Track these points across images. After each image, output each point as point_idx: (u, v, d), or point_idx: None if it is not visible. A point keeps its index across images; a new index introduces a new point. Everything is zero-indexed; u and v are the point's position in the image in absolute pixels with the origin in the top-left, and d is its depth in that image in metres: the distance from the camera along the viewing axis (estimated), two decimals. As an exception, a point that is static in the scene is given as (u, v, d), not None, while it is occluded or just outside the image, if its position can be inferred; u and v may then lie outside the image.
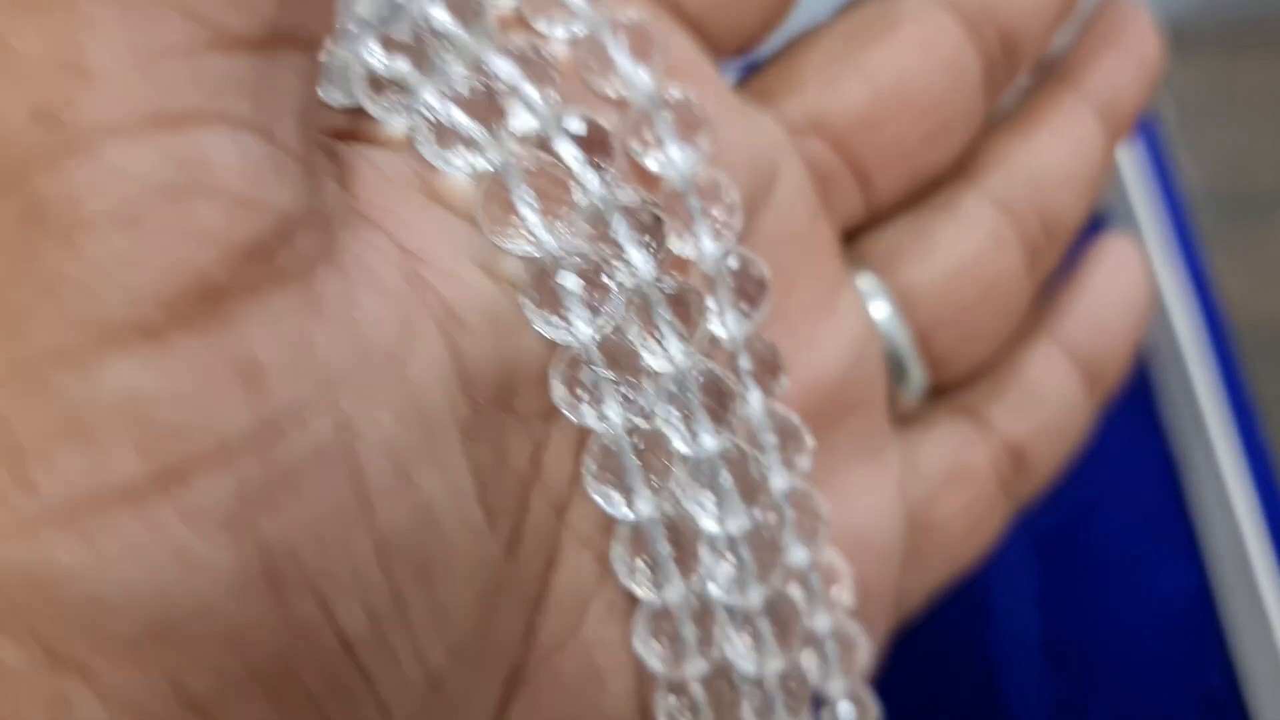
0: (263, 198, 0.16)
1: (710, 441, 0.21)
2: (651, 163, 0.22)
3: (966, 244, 0.28)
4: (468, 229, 0.19)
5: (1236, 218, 0.47)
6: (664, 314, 0.21)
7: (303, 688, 0.16)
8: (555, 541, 0.20)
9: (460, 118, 0.19)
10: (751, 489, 0.22)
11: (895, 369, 0.28)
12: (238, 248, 0.15)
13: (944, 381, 0.29)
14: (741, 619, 0.22)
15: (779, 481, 0.23)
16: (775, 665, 0.22)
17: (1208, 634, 0.38)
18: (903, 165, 0.27)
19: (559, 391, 0.20)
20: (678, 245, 0.22)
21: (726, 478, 0.22)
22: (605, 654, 0.21)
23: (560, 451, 0.20)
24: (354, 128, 0.20)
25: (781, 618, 0.22)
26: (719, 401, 0.21)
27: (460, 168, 0.19)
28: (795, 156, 0.26)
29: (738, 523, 0.22)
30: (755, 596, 0.22)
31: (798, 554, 0.24)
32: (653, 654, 0.21)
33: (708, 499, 0.21)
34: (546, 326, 0.19)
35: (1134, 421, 0.39)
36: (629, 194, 0.21)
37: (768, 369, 0.23)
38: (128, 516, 0.14)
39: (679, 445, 0.21)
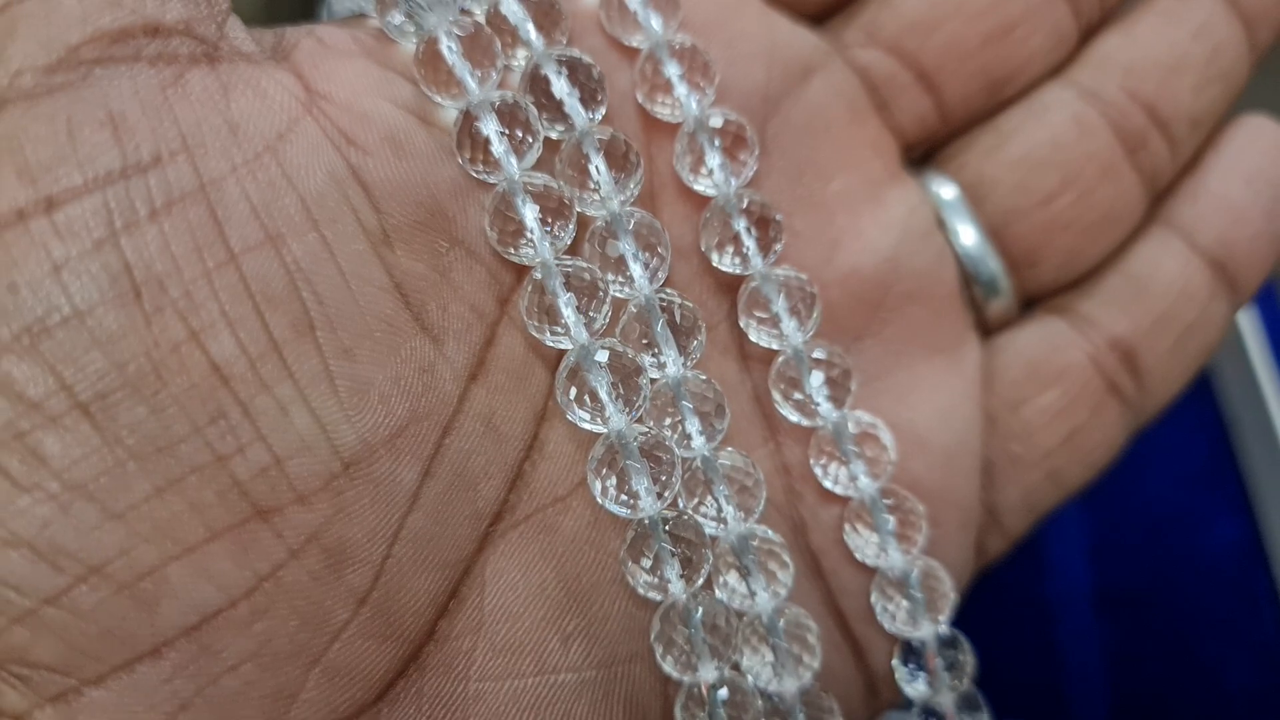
0: (126, 1, 0.19)
1: (673, 369, 0.22)
2: (632, 38, 0.24)
3: (1040, 131, 0.26)
4: (401, 83, 0.22)
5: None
6: (598, 161, 0.22)
7: (179, 405, 0.18)
8: (545, 395, 0.22)
9: None
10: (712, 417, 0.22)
11: (974, 269, 0.26)
12: (101, 31, 0.19)
13: (1039, 287, 0.27)
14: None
15: (793, 336, 0.23)
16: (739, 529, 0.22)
17: (1258, 586, 0.37)
18: (967, 66, 0.26)
19: (489, 233, 0.21)
20: (653, 106, 0.23)
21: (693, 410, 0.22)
22: (607, 514, 0.21)
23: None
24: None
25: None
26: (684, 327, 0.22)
27: (404, 29, 0.22)
28: (838, 61, 0.26)
29: (703, 444, 0.22)
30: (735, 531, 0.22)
31: (864, 484, 0.23)
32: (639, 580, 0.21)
33: (693, 422, 0.22)
34: (471, 168, 0.21)
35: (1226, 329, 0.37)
36: (562, 51, 0.23)
37: (763, 224, 0.23)
38: (11, 233, 0.18)
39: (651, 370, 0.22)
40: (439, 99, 0.22)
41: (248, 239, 0.19)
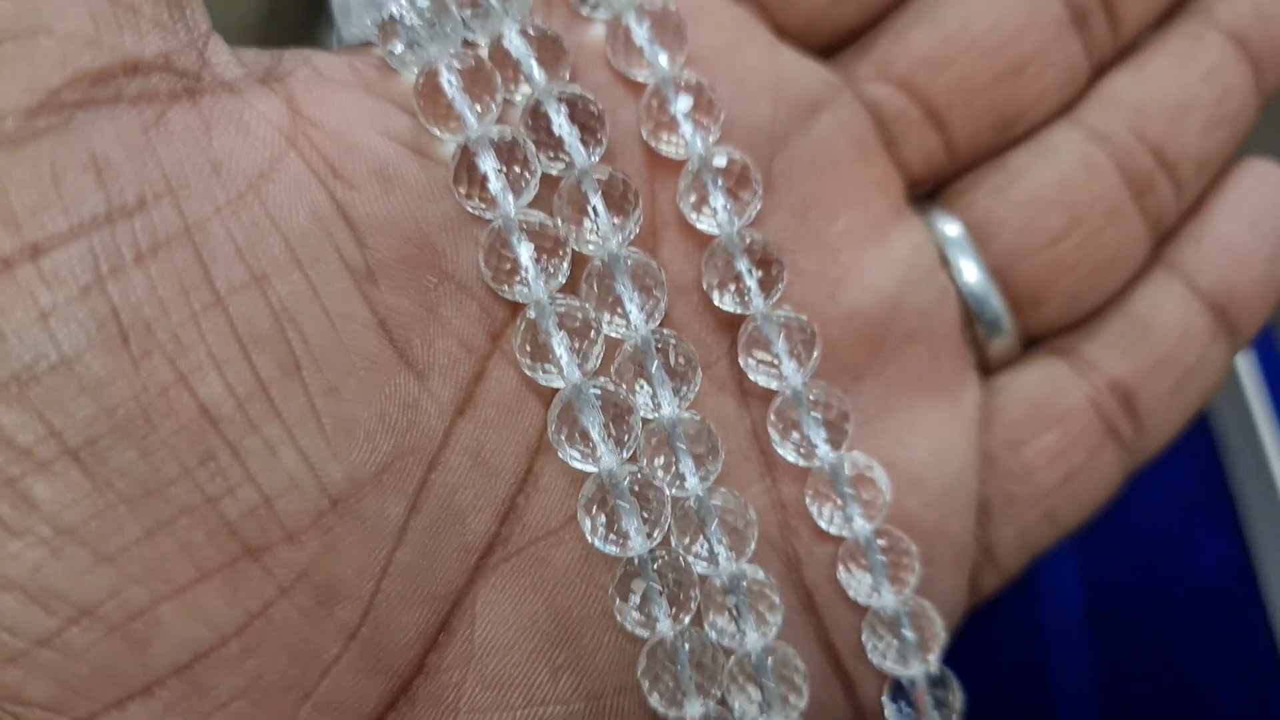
0: (103, 40, 0.19)
1: (667, 410, 0.22)
2: (638, 73, 0.24)
3: (1048, 171, 0.26)
4: (397, 114, 0.21)
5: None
6: (597, 201, 0.22)
7: (169, 448, 0.18)
8: (540, 430, 0.21)
9: (410, 17, 0.22)
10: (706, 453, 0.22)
11: (976, 308, 0.26)
12: (81, 73, 0.19)
13: (1041, 327, 0.27)
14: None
15: (792, 376, 0.23)
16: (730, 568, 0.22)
17: (1249, 607, 0.37)
18: (977, 104, 0.26)
19: (484, 267, 0.21)
20: (658, 144, 0.23)
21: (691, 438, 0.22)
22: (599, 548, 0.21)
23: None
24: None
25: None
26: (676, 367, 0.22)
27: (404, 59, 0.22)
28: (847, 96, 0.26)
29: (696, 484, 0.22)
30: (727, 570, 0.22)
31: (858, 526, 0.23)
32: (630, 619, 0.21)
33: (686, 462, 0.22)
34: (468, 203, 0.21)
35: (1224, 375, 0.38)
36: (563, 87, 0.22)
37: (765, 264, 0.23)
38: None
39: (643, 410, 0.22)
40: (437, 132, 0.21)
41: (233, 280, 0.19)
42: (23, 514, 0.17)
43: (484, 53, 0.22)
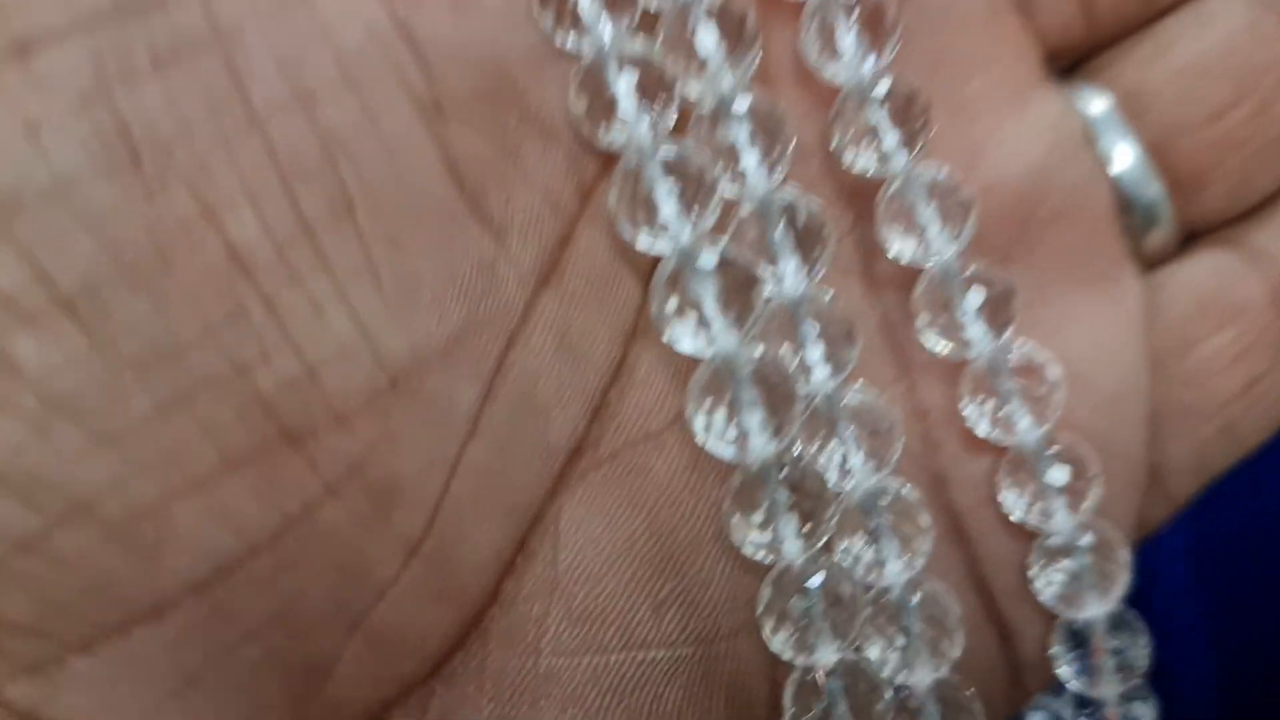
0: None
1: (792, 284, 0.19)
2: None
3: (1208, 36, 0.23)
4: None
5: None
6: (707, 30, 0.19)
7: (190, 301, 0.16)
8: (636, 310, 0.19)
9: None
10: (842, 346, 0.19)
11: (1132, 193, 0.23)
12: None
13: (1207, 214, 0.24)
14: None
15: (942, 248, 0.20)
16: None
17: None
18: None
19: (574, 106, 0.18)
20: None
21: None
22: (709, 457, 0.19)
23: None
24: None
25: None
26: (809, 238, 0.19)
27: None
28: None
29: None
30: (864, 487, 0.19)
31: (1025, 429, 0.20)
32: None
33: (814, 350, 0.19)
34: (557, 35, 0.18)
35: None
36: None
37: (908, 110, 0.20)
38: None
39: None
40: None
41: (274, 99, 0.16)
42: (1, 381, 0.15)
43: None
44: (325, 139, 0.16)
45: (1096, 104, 0.23)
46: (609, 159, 0.18)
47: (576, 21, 0.18)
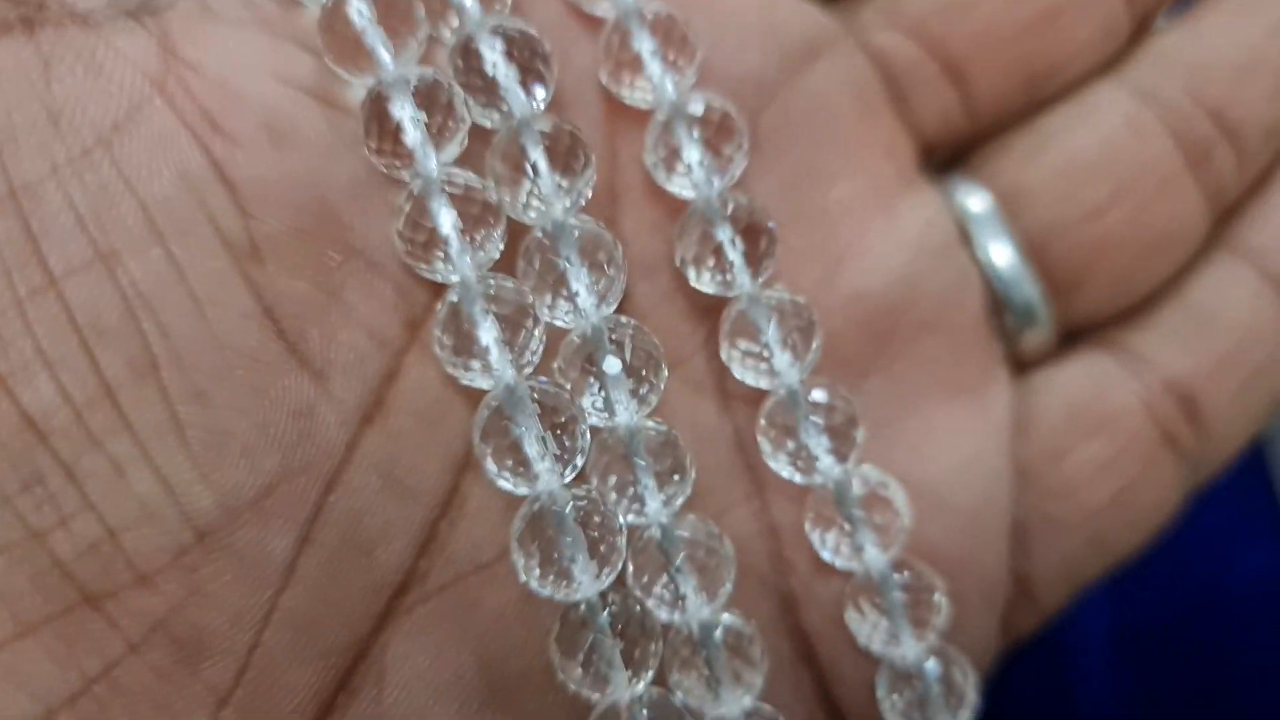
0: None
1: (624, 417, 0.19)
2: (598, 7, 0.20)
3: (1087, 135, 0.23)
4: (300, 56, 0.18)
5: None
6: (538, 156, 0.18)
7: None
8: (466, 440, 0.18)
9: None
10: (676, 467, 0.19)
11: (1006, 292, 0.23)
12: None
13: (1083, 314, 0.24)
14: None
15: (787, 373, 0.20)
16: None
17: None
18: (1004, 56, 0.23)
19: (398, 240, 0.18)
20: (623, 91, 0.20)
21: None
22: None
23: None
24: None
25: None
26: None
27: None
28: (850, 46, 0.23)
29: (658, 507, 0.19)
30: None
31: (871, 556, 0.20)
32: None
33: (647, 482, 0.19)
34: (378, 159, 0.18)
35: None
36: (501, 20, 0.19)
37: (752, 234, 0.20)
38: None
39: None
40: (345, 74, 0.18)
41: (72, 258, 0.16)
42: None
43: None
44: (128, 296, 0.16)
45: (975, 201, 0.23)
46: (439, 288, 0.18)
47: (401, 147, 0.18)
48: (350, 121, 0.18)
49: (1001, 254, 0.23)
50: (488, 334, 0.17)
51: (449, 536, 0.18)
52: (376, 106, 0.18)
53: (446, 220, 0.18)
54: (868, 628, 0.20)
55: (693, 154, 0.20)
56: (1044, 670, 0.34)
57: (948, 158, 0.24)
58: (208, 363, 0.17)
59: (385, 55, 0.18)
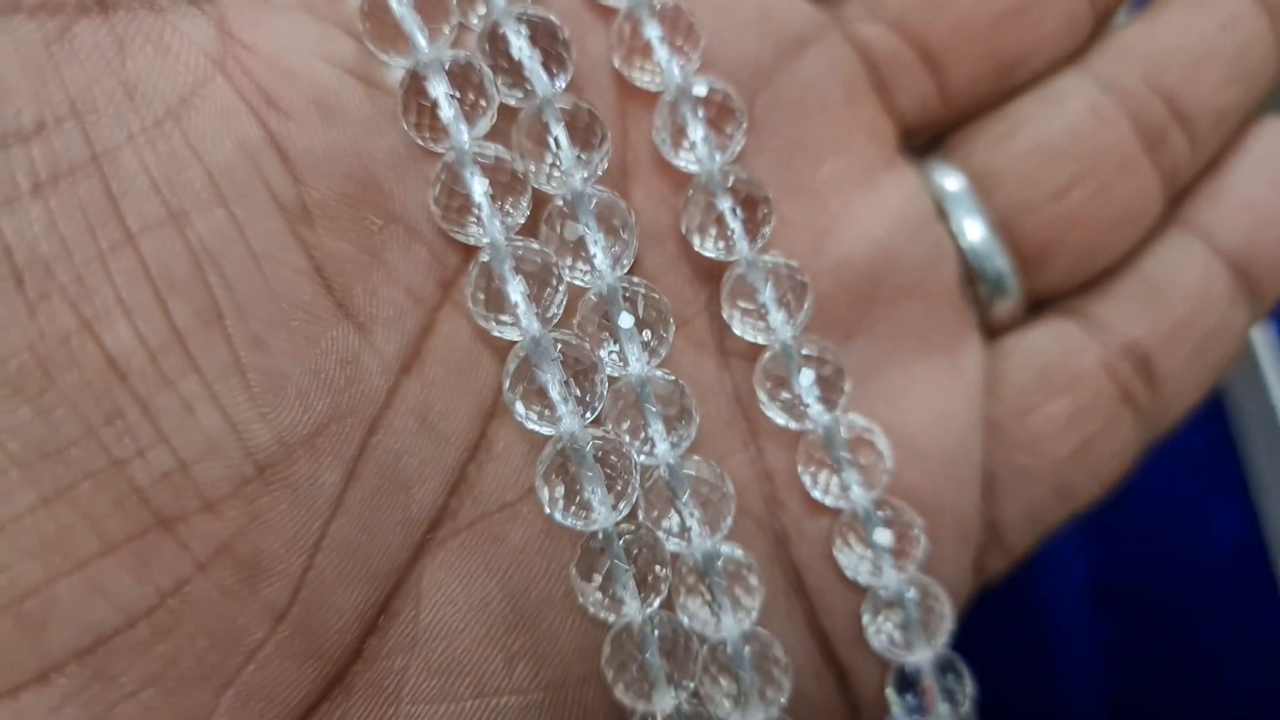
0: None
1: (635, 367, 0.20)
2: None
3: (1053, 120, 0.25)
4: (343, 39, 0.20)
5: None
6: (559, 132, 0.20)
7: (71, 405, 0.17)
8: (495, 389, 0.20)
9: None
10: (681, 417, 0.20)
11: (979, 265, 0.25)
12: None
13: (1048, 286, 0.25)
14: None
15: (781, 329, 0.21)
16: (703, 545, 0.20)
17: (1259, 579, 0.36)
18: (976, 46, 0.24)
19: (434, 205, 0.19)
20: (634, 73, 0.22)
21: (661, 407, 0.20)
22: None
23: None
24: None
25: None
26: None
27: None
28: (836, 35, 0.24)
29: (667, 449, 0.20)
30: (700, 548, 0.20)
31: (857, 495, 0.21)
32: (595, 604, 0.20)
33: (656, 426, 0.20)
34: (416, 135, 0.19)
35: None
36: (525, 9, 0.20)
37: (747, 199, 0.21)
38: None
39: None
40: (385, 57, 0.20)
41: (147, 217, 0.17)
42: None
43: None
44: (196, 252, 0.17)
45: (950, 181, 0.24)
46: (469, 251, 0.20)
47: (436, 123, 0.19)
48: (389, 100, 0.19)
49: (975, 229, 0.24)
50: (516, 291, 0.19)
51: (477, 477, 0.19)
52: (414, 86, 0.19)
53: (478, 188, 0.19)
54: (854, 560, 0.21)
55: (697, 131, 0.21)
56: (1023, 624, 0.35)
57: (926, 143, 0.25)
58: (266, 313, 0.18)
59: (421, 40, 0.19)
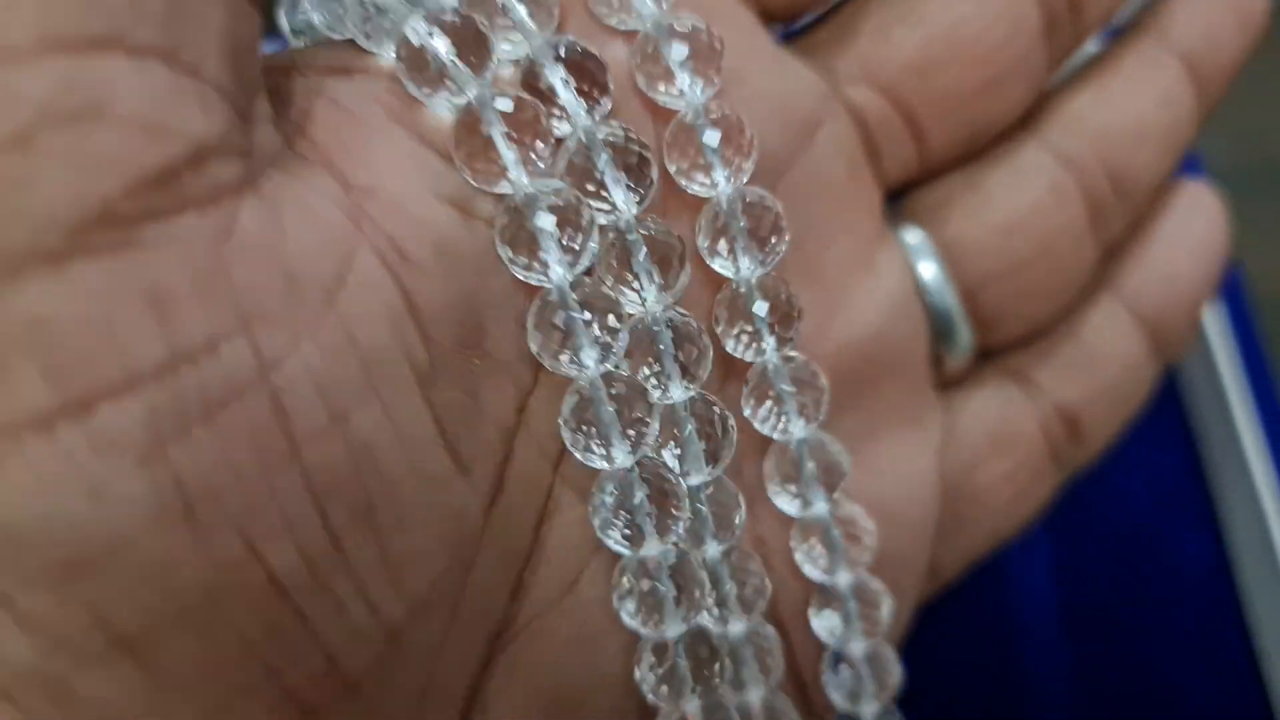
0: (169, 124, 0.15)
1: (678, 392, 0.21)
2: (661, 95, 0.21)
3: (1021, 197, 0.26)
4: (438, 164, 0.19)
5: (1258, 189, 0.45)
6: (643, 260, 0.20)
7: (234, 628, 0.16)
8: (547, 493, 0.20)
9: (441, 47, 0.19)
10: (716, 446, 0.21)
11: (942, 328, 0.26)
12: (143, 174, 0.15)
13: (995, 343, 0.27)
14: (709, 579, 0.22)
15: (797, 430, 0.22)
16: (739, 627, 0.22)
17: (1225, 604, 0.37)
18: (957, 116, 0.25)
19: (533, 336, 0.19)
20: (687, 183, 0.22)
21: (696, 433, 0.21)
22: (600, 612, 0.20)
23: (550, 400, 0.20)
24: (340, 62, 0.19)
25: (741, 576, 0.22)
26: (689, 354, 0.21)
27: (439, 101, 0.19)
28: (839, 108, 0.24)
29: (701, 478, 0.21)
30: (713, 552, 0.22)
31: (818, 506, 0.23)
32: (629, 613, 0.20)
33: (680, 451, 0.21)
34: (520, 270, 0.19)
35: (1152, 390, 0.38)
36: (616, 131, 0.20)
37: (783, 315, 0.22)
38: (37, 446, 0.14)
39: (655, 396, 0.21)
40: (489, 188, 0.19)
41: (313, 424, 0.16)
42: (64, 709, 0.15)
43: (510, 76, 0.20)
44: (355, 450, 0.16)
45: (924, 260, 0.26)
46: (539, 369, 0.19)
47: (536, 256, 0.19)
48: (486, 231, 0.19)
49: (945, 299, 0.26)
50: (610, 422, 0.20)
51: (531, 583, 0.20)
52: (517, 221, 0.19)
53: (580, 318, 0.19)
54: (826, 627, 0.23)
55: (739, 243, 0.22)
56: (994, 643, 0.37)
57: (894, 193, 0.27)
58: (408, 494, 0.17)
59: (522, 174, 0.19)
